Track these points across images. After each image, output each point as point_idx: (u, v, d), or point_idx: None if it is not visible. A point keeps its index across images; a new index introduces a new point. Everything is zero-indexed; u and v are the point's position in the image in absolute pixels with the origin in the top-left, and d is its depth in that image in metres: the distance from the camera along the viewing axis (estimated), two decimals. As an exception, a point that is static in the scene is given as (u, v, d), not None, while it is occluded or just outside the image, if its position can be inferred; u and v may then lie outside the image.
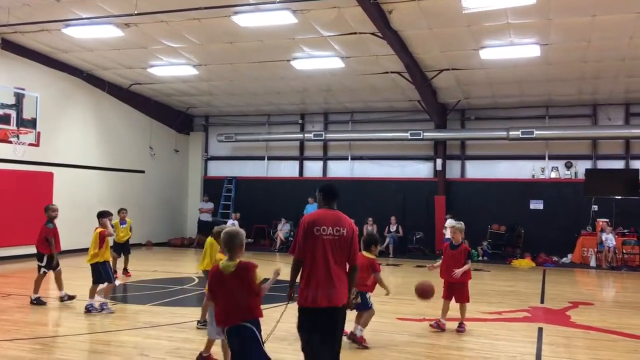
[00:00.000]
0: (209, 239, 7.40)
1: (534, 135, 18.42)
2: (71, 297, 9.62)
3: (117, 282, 10.45)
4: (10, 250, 15.34)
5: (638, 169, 18.24)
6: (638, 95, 17.91)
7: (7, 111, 14.43)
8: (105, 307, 9.05)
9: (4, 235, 15.16)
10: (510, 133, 18.58)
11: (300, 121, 22.36)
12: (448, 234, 18.09)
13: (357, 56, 15.23)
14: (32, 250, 15.41)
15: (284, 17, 12.53)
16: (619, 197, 17.93)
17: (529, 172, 19.71)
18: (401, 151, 20.88)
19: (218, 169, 23.59)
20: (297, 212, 19.13)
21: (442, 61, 15.37)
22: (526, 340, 7.82)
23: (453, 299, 8.38)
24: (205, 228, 19.84)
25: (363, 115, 21.48)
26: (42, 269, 9.69)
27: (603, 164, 19.02)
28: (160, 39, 14.73)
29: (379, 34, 13.26)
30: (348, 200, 18.73)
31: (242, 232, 4.77)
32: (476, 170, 20.35)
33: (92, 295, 9.09)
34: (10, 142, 14.30)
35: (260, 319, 4.61)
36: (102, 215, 9.56)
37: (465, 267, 8.23)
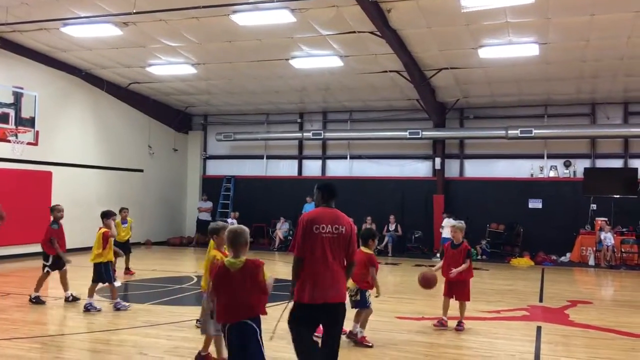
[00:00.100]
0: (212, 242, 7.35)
1: (532, 134, 18.44)
2: (76, 298, 9.60)
3: (118, 283, 10.47)
4: (9, 249, 15.34)
5: (637, 168, 18.25)
6: (636, 94, 17.93)
7: (6, 110, 14.41)
8: (119, 305, 9.08)
9: (3, 234, 15.10)
10: (509, 132, 18.60)
11: (299, 120, 22.36)
12: (445, 233, 18.23)
13: (356, 55, 15.23)
14: (31, 249, 15.62)
15: (282, 16, 12.53)
16: (618, 196, 17.96)
17: (527, 171, 19.72)
18: (400, 150, 20.88)
19: (217, 168, 23.58)
20: (296, 211, 19.14)
21: (441, 60, 15.37)
22: (525, 339, 7.82)
23: (454, 296, 8.39)
24: (204, 227, 19.83)
25: (362, 114, 21.48)
26: (47, 268, 9.67)
27: (602, 163, 19.04)
28: (159, 38, 14.72)
29: (378, 33, 13.26)
30: (347, 199, 18.74)
31: (246, 229, 4.80)
32: (475, 169, 20.36)
33: (90, 294, 9.10)
34: (9, 141, 14.28)
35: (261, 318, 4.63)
36: (106, 215, 9.58)
37: (462, 266, 8.24)
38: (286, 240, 20.19)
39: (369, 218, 18.92)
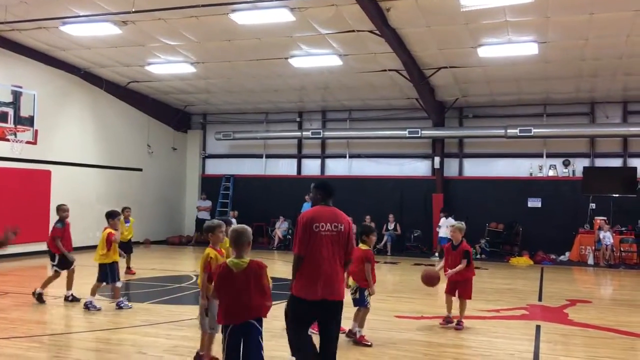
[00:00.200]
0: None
1: (531, 133, 18.44)
2: (76, 299, 9.59)
3: (120, 283, 10.49)
4: (8, 248, 15.28)
5: (636, 167, 18.26)
6: (636, 93, 17.93)
7: (5, 109, 14.38)
8: (122, 304, 9.10)
9: (1, 233, 15.12)
10: (508, 131, 18.60)
11: (298, 119, 22.35)
12: (442, 232, 18.26)
13: (355, 54, 15.22)
14: (30, 248, 15.66)
15: (281, 15, 12.52)
16: (617, 195, 17.97)
17: (526, 170, 19.73)
18: (399, 149, 20.88)
19: (216, 167, 23.56)
20: (295, 210, 19.12)
21: (440, 59, 15.37)
22: (524, 337, 7.83)
23: (456, 294, 8.44)
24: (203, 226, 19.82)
25: (361, 113, 21.48)
26: (55, 268, 9.66)
27: (601, 162, 19.05)
28: (158, 37, 14.70)
29: (377, 32, 13.25)
30: (346, 198, 18.77)
31: (249, 229, 4.79)
32: (474, 168, 20.36)
33: (93, 293, 9.13)
34: (8, 140, 14.25)
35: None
36: (112, 215, 9.58)
37: (459, 267, 8.27)
38: (285, 240, 20.18)
39: (368, 217, 18.87)
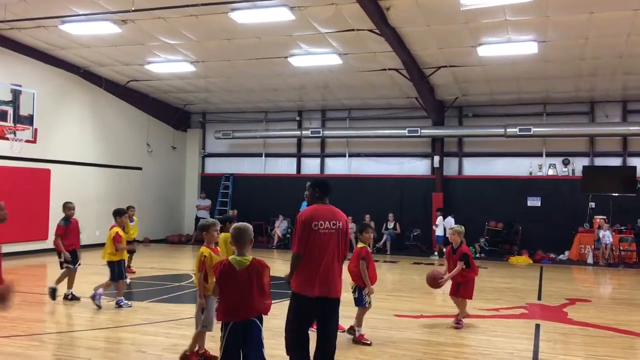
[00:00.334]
0: (222, 235, 7.33)
1: (531, 133, 18.44)
2: (75, 298, 9.59)
3: (128, 281, 10.56)
4: (7, 247, 15.28)
5: (635, 166, 18.27)
6: (635, 92, 17.93)
7: (4, 108, 14.40)
8: (121, 303, 9.12)
9: (1, 232, 15.11)
10: (508, 130, 18.61)
11: (297, 118, 22.35)
12: (439, 231, 18.37)
13: (355, 53, 15.21)
14: (30, 247, 15.66)
15: (281, 14, 12.51)
16: (616, 194, 17.98)
17: (526, 169, 19.73)
18: (399, 148, 20.89)
19: (215, 166, 23.56)
20: (294, 209, 19.04)
21: (440, 58, 15.36)
22: (523, 336, 7.83)
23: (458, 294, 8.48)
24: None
25: (360, 112, 21.48)
26: (64, 265, 9.65)
27: (600, 161, 19.06)
28: (157, 36, 14.69)
29: (377, 31, 13.24)
30: (346, 198, 18.85)
31: (250, 227, 4.80)
32: (474, 167, 20.37)
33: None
34: (7, 139, 14.26)
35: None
36: (119, 213, 9.66)
37: (454, 271, 8.27)
38: (285, 238, 20.19)
39: (367, 216, 18.91)
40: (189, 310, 8.68)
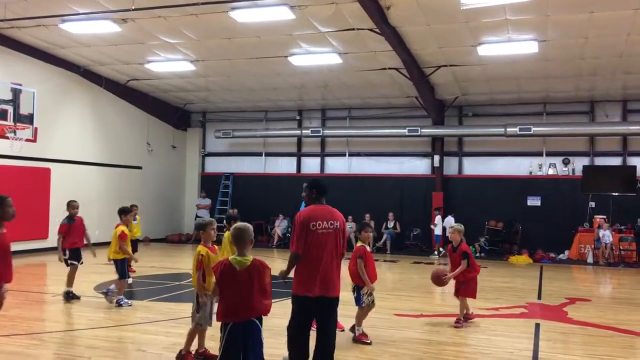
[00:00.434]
0: (227, 233, 7.33)
1: (531, 132, 18.44)
2: (75, 297, 9.58)
3: (130, 280, 10.58)
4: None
5: (635, 166, 18.28)
6: (635, 92, 17.93)
7: (4, 106, 14.41)
8: (122, 301, 9.13)
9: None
10: (508, 130, 18.60)
11: (297, 117, 22.35)
12: (437, 230, 18.39)
13: (355, 52, 15.21)
14: (29, 246, 15.62)
15: (281, 13, 12.50)
16: (616, 194, 17.98)
17: (526, 168, 19.73)
18: (399, 147, 20.89)
19: (215, 165, 23.56)
20: (294, 208, 18.93)
21: (440, 57, 15.36)
22: (523, 336, 7.83)
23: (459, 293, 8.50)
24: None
25: (360, 112, 21.48)
26: (69, 262, 9.64)
27: (600, 161, 19.07)
28: (157, 35, 14.69)
29: (377, 30, 13.23)
30: (346, 197, 18.87)
31: (251, 227, 4.80)
32: (474, 167, 20.37)
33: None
34: (7, 138, 14.27)
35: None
36: (125, 211, 9.71)
37: (457, 270, 8.30)
38: (285, 238, 20.18)
39: (367, 215, 18.92)
40: (189, 309, 8.65)
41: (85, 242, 9.93)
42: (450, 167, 20.55)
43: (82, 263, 9.83)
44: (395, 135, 20.22)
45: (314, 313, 5.27)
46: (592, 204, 18.45)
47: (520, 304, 10.25)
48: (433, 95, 18.66)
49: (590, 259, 17.34)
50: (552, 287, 12.48)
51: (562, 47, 14.21)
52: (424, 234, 19.84)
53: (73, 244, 9.69)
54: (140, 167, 21.03)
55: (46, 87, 16.46)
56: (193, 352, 6.35)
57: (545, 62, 15.26)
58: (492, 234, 19.19)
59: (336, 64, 16.12)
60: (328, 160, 22.10)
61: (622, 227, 17.93)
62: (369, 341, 7.14)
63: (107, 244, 9.87)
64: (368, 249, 7.49)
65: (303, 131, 21.45)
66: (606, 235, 17.04)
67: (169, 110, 22.54)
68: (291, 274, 5.42)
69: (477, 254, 18.01)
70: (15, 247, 15.56)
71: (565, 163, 19.36)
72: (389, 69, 16.32)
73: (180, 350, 6.26)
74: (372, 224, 18.63)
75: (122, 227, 9.43)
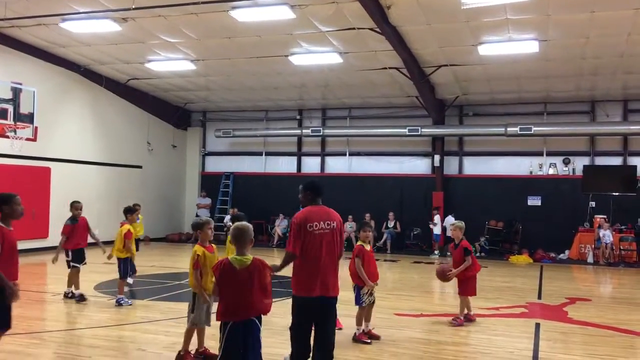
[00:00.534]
0: None
1: (532, 132, 18.42)
2: (74, 297, 9.57)
3: (131, 280, 10.58)
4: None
5: (636, 166, 18.26)
6: (636, 92, 17.92)
7: (4, 106, 14.40)
8: (122, 301, 9.14)
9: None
10: (508, 129, 18.59)
11: (298, 117, 22.34)
12: (436, 230, 18.39)
13: (355, 52, 15.20)
14: (29, 245, 15.60)
15: (282, 12, 12.50)
16: (617, 194, 17.97)
17: (526, 168, 19.72)
18: (399, 147, 20.88)
19: (216, 165, 23.55)
20: (294, 208, 18.97)
21: (441, 57, 15.35)
22: (523, 335, 7.83)
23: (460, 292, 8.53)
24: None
25: (361, 111, 21.47)
26: (71, 264, 9.63)
27: (601, 161, 19.06)
28: (158, 34, 14.68)
29: (377, 30, 13.22)
30: (346, 196, 18.88)
31: (251, 226, 4.81)
32: (474, 167, 20.36)
33: (120, 291, 9.29)
34: (8, 137, 14.26)
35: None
36: (129, 211, 9.75)
37: (461, 266, 8.32)
38: (285, 237, 20.17)
39: (367, 215, 18.92)
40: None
41: (93, 240, 9.89)
42: (451, 166, 20.54)
43: (85, 264, 9.81)
44: (396, 134, 20.21)
45: (314, 313, 5.28)
46: (593, 204, 18.44)
47: (521, 303, 10.25)
48: (433, 95, 18.65)
49: (590, 259, 17.33)
50: (553, 286, 12.48)
51: (563, 47, 14.20)
52: (424, 233, 19.83)
53: (76, 244, 9.67)
54: (140, 167, 21.03)
55: (46, 86, 16.45)
56: (193, 352, 6.35)
57: (546, 62, 15.25)
58: (493, 234, 19.18)
59: (336, 64, 16.11)
60: (328, 159, 22.09)
61: (623, 227, 17.92)
62: (369, 341, 7.14)
63: (107, 243, 9.86)
64: (367, 248, 7.47)
65: (303, 131, 21.44)
66: (606, 235, 17.03)
67: (169, 110, 22.53)
68: (289, 273, 5.41)
69: (478, 254, 17.98)
70: (14, 246, 15.38)
71: (566, 163, 19.35)
72: (390, 68, 16.31)
73: (179, 351, 6.25)
74: (373, 223, 18.63)
75: (128, 226, 9.45)
